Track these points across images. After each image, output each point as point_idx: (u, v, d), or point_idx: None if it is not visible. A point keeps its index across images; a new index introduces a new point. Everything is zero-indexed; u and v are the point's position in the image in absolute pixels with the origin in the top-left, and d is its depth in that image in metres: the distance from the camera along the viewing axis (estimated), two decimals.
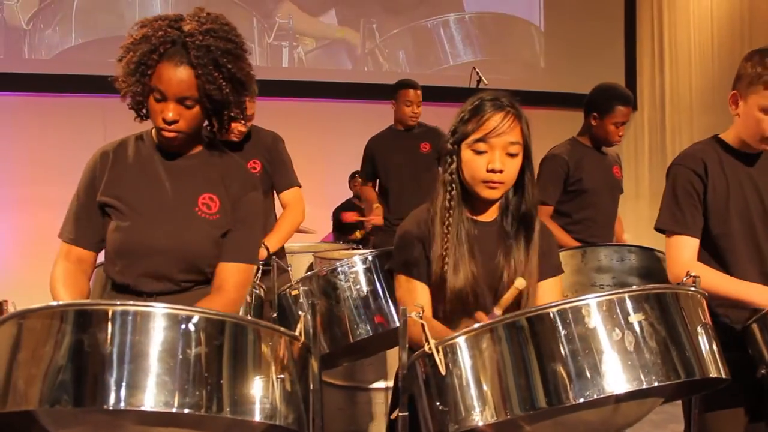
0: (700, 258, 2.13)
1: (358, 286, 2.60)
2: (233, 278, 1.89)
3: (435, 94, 6.50)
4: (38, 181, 6.01)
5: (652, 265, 2.89)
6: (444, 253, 1.81)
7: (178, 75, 1.78)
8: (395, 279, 1.93)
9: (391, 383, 3.57)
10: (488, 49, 7.27)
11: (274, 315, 2.61)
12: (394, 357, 3.49)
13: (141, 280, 1.87)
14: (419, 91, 4.30)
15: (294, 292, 2.63)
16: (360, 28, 6.91)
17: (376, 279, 2.61)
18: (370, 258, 2.64)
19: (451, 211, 1.83)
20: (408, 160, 4.35)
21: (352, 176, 6.60)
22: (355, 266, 2.62)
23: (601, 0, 7.80)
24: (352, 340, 2.57)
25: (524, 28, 7.54)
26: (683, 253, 2.12)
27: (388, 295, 2.57)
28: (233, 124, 2.35)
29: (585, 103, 3.44)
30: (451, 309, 1.84)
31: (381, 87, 6.55)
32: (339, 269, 2.61)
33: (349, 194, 6.74)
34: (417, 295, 1.86)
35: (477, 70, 5.05)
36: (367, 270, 2.62)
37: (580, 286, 2.85)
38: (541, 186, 3.34)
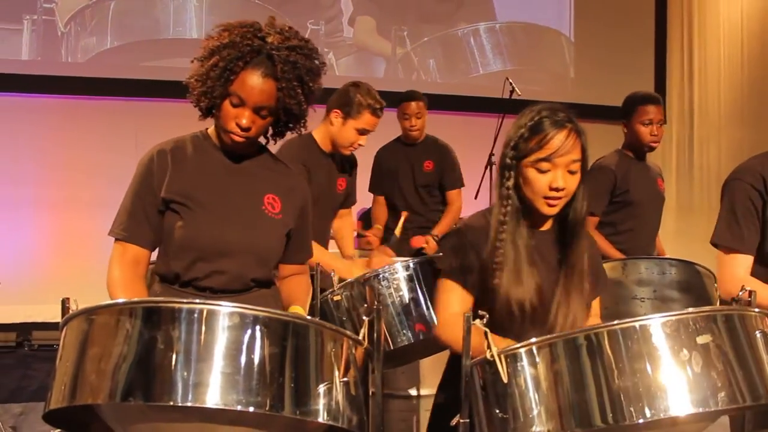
0: (755, 274, 2.12)
1: (400, 293, 2.60)
2: (301, 269, 2.14)
3: (464, 104, 6.52)
4: (70, 183, 6.07)
5: (692, 279, 2.88)
6: (497, 266, 1.82)
7: (262, 85, 1.83)
8: (439, 281, 1.95)
9: (423, 391, 3.57)
10: (518, 59, 7.26)
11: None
12: (426, 365, 3.48)
13: (211, 276, 1.91)
14: (421, 103, 4.21)
15: (336, 298, 2.64)
16: (391, 36, 6.94)
17: (417, 286, 2.61)
18: (412, 265, 2.64)
19: (504, 226, 1.84)
20: (411, 176, 4.30)
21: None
22: (397, 273, 2.62)
23: (632, 11, 7.77)
24: (392, 347, 2.57)
25: (554, 38, 7.53)
26: (738, 270, 2.11)
27: (429, 303, 2.57)
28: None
29: (616, 115, 3.51)
30: (519, 322, 1.83)
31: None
32: (381, 275, 2.62)
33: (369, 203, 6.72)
34: (457, 301, 1.88)
35: (510, 80, 5.05)
36: (409, 277, 2.62)
37: (620, 298, 2.85)
38: (588, 196, 3.34)
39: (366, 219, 6.37)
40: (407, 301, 2.60)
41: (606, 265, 2.90)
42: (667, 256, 3.54)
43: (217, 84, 1.83)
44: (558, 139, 1.79)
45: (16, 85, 5.98)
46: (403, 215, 4.20)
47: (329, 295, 2.66)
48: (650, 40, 7.94)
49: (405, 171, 4.30)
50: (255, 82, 1.82)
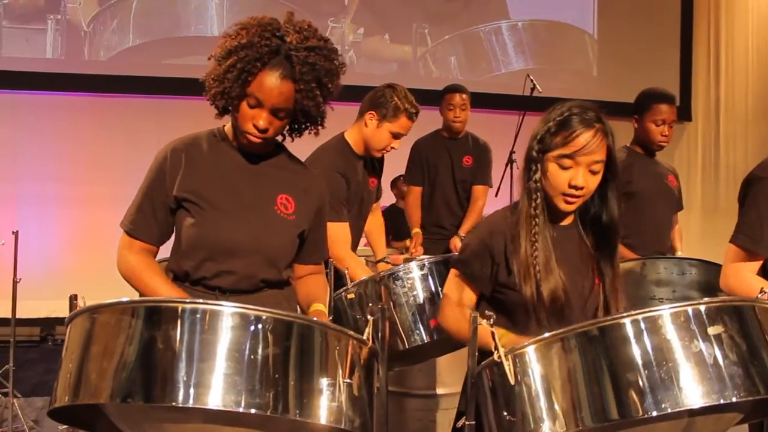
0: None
1: (414, 292, 2.58)
2: (317, 269, 2.12)
3: (486, 101, 6.47)
4: (93, 179, 6.14)
5: (713, 280, 2.80)
6: (534, 262, 1.80)
7: (280, 87, 1.79)
8: (452, 269, 1.95)
9: (440, 390, 3.54)
10: (540, 57, 7.20)
11: (330, 318, 2.60)
12: (443, 364, 3.46)
13: (219, 275, 1.89)
14: (464, 95, 4.20)
15: (350, 296, 2.62)
16: (411, 34, 6.91)
17: (432, 285, 2.59)
18: (427, 264, 2.62)
19: (537, 219, 1.82)
20: (451, 170, 4.28)
21: (395, 181, 6.57)
22: (412, 272, 2.60)
23: (656, 7, 7.67)
24: (407, 346, 2.55)
25: (577, 35, 7.45)
26: (743, 271, 2.06)
27: None
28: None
29: (630, 111, 3.46)
30: (548, 318, 1.81)
31: (430, 93, 6.55)
32: (395, 274, 2.60)
33: (392, 199, 6.67)
34: (462, 294, 1.90)
35: (531, 77, 5.00)
36: (424, 276, 2.60)
37: (638, 299, 2.79)
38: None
39: (389, 215, 6.36)
40: (422, 301, 2.57)
41: (624, 265, 2.87)
42: (686, 255, 3.46)
43: (234, 85, 1.80)
44: (584, 137, 1.78)
45: (39, 83, 6.05)
46: (414, 236, 4.20)
47: (343, 293, 2.65)
48: (676, 35, 7.83)
49: (445, 164, 4.28)
50: (273, 83, 1.79)
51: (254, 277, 1.92)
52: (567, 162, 1.79)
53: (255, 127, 1.83)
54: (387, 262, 3.44)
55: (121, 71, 6.16)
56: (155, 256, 1.99)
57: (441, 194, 4.29)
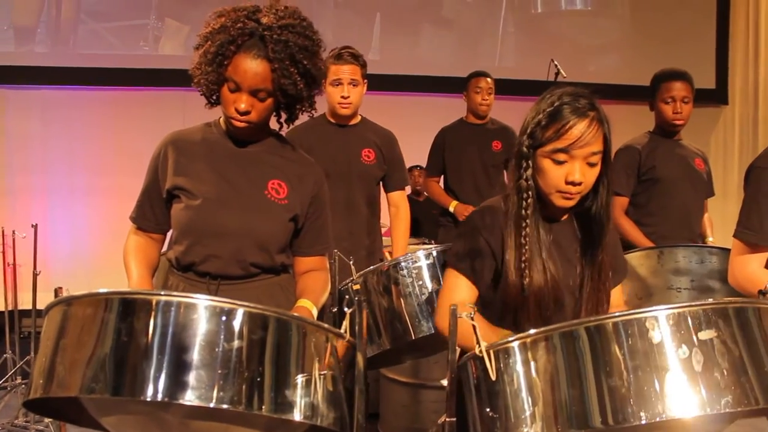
0: None
1: (420, 282, 2.53)
2: (319, 264, 2.06)
3: (509, 87, 6.35)
4: (121, 171, 6.18)
5: None
6: (524, 264, 1.70)
7: (255, 68, 1.80)
8: (446, 270, 1.86)
9: None
10: (570, 40, 7.04)
11: (335, 309, 2.57)
12: None
13: (207, 260, 1.90)
14: (490, 79, 4.29)
15: (356, 287, 2.59)
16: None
17: (440, 275, 2.53)
18: (434, 253, 2.56)
19: (527, 221, 1.71)
20: (480, 156, 4.28)
21: (409, 170, 6.46)
22: (419, 261, 2.54)
23: None
24: (413, 337, 2.50)
25: (611, 19, 7.27)
26: (751, 264, 1.97)
27: None
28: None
29: None
30: (533, 317, 1.72)
31: (439, 80, 6.48)
32: (402, 264, 2.55)
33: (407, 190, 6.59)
34: (460, 293, 1.78)
35: (555, 62, 4.87)
36: (431, 266, 2.54)
37: (656, 288, 2.70)
38: (615, 177, 3.23)
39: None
40: (429, 291, 2.52)
41: (641, 253, 2.79)
42: (707, 243, 3.35)
43: (211, 70, 1.82)
44: (578, 129, 1.65)
45: (68, 78, 6.14)
46: (458, 206, 4.20)
47: (350, 284, 2.62)
48: (712, 17, 7.58)
49: (473, 150, 4.28)
50: (248, 65, 1.80)
51: (243, 260, 1.91)
52: (562, 156, 1.66)
53: (237, 110, 1.83)
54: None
55: (147, 64, 6.21)
56: (161, 244, 2.07)
57: (471, 180, 4.27)
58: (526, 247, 1.69)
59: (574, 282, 1.78)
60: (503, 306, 1.76)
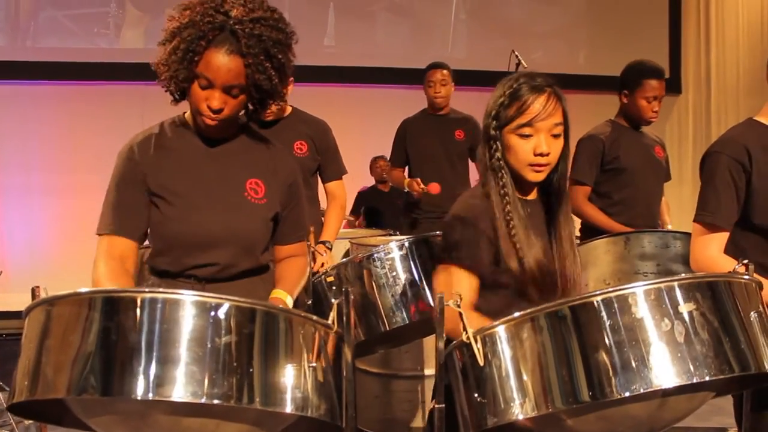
0: (733, 251, 2.04)
1: (394, 273, 2.54)
2: (298, 251, 2.04)
3: (471, 78, 6.40)
4: (78, 168, 6.08)
5: None
6: (514, 241, 1.78)
7: (227, 64, 1.74)
8: (444, 267, 1.86)
9: (428, 371, 3.53)
10: (526, 31, 7.11)
11: (309, 302, 2.57)
12: (431, 345, 3.44)
13: (197, 268, 1.86)
14: (445, 71, 4.28)
15: (330, 279, 2.59)
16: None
17: (413, 265, 2.55)
18: (406, 244, 2.57)
19: (507, 197, 1.80)
20: (442, 146, 4.30)
21: (374, 161, 6.43)
22: (392, 252, 2.55)
23: None
24: (388, 328, 2.52)
25: (564, 7, 7.36)
26: (711, 246, 2.04)
27: (425, 283, 2.51)
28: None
29: (618, 84, 3.41)
30: (539, 293, 1.79)
31: (400, 71, 6.49)
32: (375, 255, 2.55)
33: (370, 180, 6.53)
34: (458, 284, 1.80)
35: (516, 53, 4.92)
36: (404, 256, 2.55)
37: (623, 273, 2.77)
38: (578, 166, 3.31)
39: (368, 197, 6.26)
40: (402, 281, 2.54)
41: (608, 240, 2.85)
42: (677, 229, 3.43)
43: (180, 67, 1.75)
44: (538, 102, 1.77)
45: (19, 72, 5.99)
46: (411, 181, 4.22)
47: (323, 276, 2.62)
48: (664, 7, 7.74)
49: (434, 141, 4.30)
50: (220, 61, 1.73)
51: (234, 267, 1.88)
52: (527, 130, 1.78)
53: (209, 108, 1.77)
54: (328, 247, 3.34)
55: (105, 58, 6.10)
56: (135, 258, 1.89)
57: (435, 170, 4.28)
58: (513, 222, 1.78)
59: (552, 257, 1.86)
60: (508, 288, 1.81)
